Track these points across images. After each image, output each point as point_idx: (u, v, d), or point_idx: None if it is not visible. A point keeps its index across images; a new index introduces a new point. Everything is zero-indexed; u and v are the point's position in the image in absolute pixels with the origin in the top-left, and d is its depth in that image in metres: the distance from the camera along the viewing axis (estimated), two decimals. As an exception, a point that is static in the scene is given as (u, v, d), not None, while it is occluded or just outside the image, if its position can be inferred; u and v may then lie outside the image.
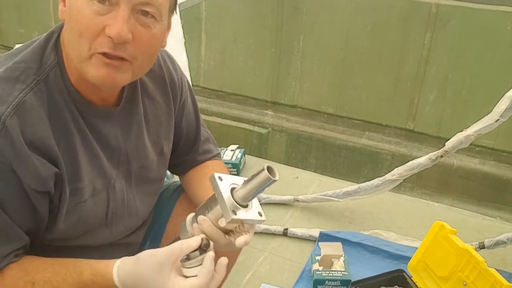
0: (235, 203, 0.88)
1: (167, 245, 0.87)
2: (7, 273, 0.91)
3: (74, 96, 0.92)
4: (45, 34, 0.95)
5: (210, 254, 0.87)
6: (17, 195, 0.87)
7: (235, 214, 0.87)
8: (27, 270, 0.91)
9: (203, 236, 0.89)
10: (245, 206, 0.90)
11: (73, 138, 0.92)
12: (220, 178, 0.90)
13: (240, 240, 0.90)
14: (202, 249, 0.87)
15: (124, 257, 0.90)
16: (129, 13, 0.85)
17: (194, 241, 0.86)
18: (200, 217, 0.91)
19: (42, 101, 0.88)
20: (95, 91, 0.93)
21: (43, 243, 0.98)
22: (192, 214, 0.96)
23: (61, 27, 0.94)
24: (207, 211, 0.91)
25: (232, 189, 0.90)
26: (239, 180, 0.91)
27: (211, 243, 0.89)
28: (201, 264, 0.86)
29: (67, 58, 0.91)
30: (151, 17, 0.88)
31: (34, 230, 0.94)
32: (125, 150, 1.03)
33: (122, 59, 0.87)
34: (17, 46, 0.98)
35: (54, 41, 0.93)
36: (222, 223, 0.89)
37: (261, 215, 0.92)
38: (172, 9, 0.94)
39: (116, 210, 1.05)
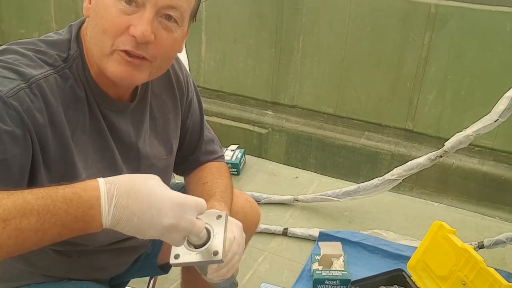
0: (186, 244, 0.83)
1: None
2: None
3: (92, 87, 0.94)
4: (65, 29, 0.97)
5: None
6: (20, 148, 0.81)
7: (177, 258, 0.84)
8: None
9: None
10: (201, 245, 0.84)
11: (84, 126, 0.93)
12: None
13: None
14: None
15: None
16: (154, 15, 0.87)
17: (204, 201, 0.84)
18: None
19: (64, 85, 0.90)
20: (112, 86, 0.95)
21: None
22: None
23: (79, 23, 0.97)
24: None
25: None
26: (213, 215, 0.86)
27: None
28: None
29: (88, 52, 0.93)
30: (174, 22, 0.91)
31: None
32: (136, 146, 1.04)
33: (142, 58, 0.89)
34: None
35: (75, 33, 0.95)
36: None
37: (216, 254, 0.84)
38: (193, 16, 0.97)
39: None
